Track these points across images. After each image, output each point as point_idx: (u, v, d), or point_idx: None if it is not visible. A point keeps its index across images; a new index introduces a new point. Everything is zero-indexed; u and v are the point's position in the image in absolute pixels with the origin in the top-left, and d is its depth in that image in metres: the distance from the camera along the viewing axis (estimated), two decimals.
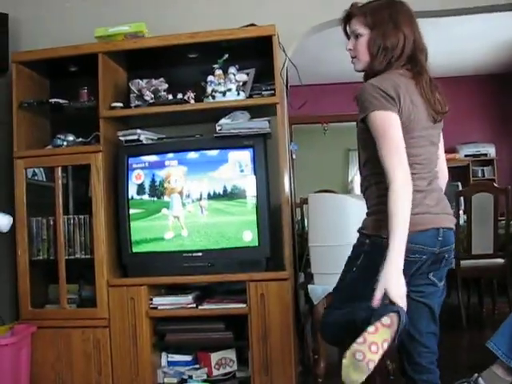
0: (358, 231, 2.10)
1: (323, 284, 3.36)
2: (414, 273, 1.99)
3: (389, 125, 1.91)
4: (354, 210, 3.05)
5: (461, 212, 4.86)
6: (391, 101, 1.91)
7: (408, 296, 1.91)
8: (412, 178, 1.92)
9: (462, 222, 4.83)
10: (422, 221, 1.95)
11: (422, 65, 2.06)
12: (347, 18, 2.14)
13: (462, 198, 4.89)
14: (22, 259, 3.39)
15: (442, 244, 2.00)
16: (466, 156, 7.41)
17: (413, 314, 2.03)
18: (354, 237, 2.11)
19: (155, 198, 3.38)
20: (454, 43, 6.30)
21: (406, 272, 1.89)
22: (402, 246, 1.83)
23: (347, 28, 2.15)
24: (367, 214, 2.11)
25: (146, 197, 3.39)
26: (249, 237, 3.23)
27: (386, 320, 1.76)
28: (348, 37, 2.15)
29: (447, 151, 7.80)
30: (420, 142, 2.01)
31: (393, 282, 1.82)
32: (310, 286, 3.49)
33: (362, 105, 1.96)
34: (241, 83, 3.34)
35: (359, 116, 1.99)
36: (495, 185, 5.11)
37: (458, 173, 7.39)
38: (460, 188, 6.72)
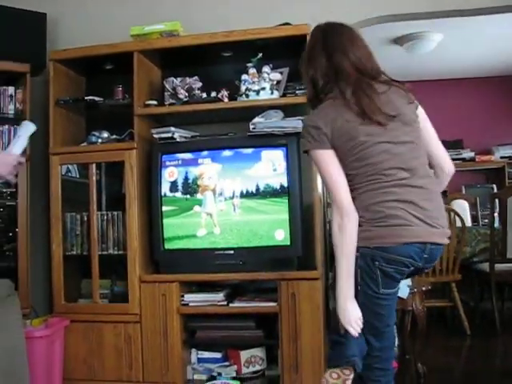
0: None
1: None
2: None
3: (324, 163, 2.01)
4: None
5: (495, 214, 4.79)
6: (322, 135, 1.99)
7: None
8: (383, 185, 1.95)
9: (496, 224, 4.75)
10: (406, 233, 1.92)
11: (349, 81, 2.03)
12: None
13: (497, 201, 4.82)
14: (56, 254, 3.45)
15: (427, 260, 1.99)
16: (501, 158, 7.26)
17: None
18: None
19: (188, 196, 3.40)
20: (487, 43, 6.19)
21: (390, 280, 1.97)
22: (348, 275, 1.93)
23: None
24: None
25: (178, 194, 3.41)
26: (281, 235, 3.23)
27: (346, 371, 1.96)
28: None
29: (482, 153, 7.62)
30: (375, 150, 1.96)
31: (342, 309, 1.94)
32: None
33: (301, 140, 2.11)
34: (274, 82, 3.34)
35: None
36: None
37: (493, 175, 7.28)
38: (495, 190, 6.64)
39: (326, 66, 2.07)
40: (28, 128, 2.61)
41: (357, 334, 1.93)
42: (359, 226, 1.98)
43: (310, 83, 2.12)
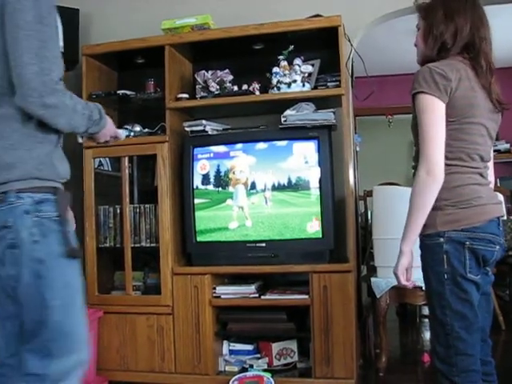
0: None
1: (386, 277, 3.32)
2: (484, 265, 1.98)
3: (431, 111, 1.90)
4: None
5: None
6: (447, 87, 1.89)
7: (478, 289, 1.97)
8: (468, 171, 1.95)
9: None
10: (487, 210, 1.95)
11: (480, 53, 1.98)
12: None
13: None
14: (89, 246, 3.50)
15: (501, 233, 2.00)
16: None
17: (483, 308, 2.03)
18: None
19: (220, 189, 3.41)
20: None
21: (476, 264, 1.93)
22: (418, 229, 1.93)
23: None
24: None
25: (210, 187, 3.42)
26: (313, 228, 3.22)
27: None
28: None
29: None
30: (481, 131, 1.97)
31: (403, 254, 1.98)
32: (373, 279, 3.45)
33: (412, 84, 1.95)
34: (306, 74, 3.32)
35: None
36: None
37: None
38: None
39: (472, 30, 1.97)
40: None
41: (404, 282, 1.96)
42: (441, 209, 1.95)
43: (436, 38, 2.00)
